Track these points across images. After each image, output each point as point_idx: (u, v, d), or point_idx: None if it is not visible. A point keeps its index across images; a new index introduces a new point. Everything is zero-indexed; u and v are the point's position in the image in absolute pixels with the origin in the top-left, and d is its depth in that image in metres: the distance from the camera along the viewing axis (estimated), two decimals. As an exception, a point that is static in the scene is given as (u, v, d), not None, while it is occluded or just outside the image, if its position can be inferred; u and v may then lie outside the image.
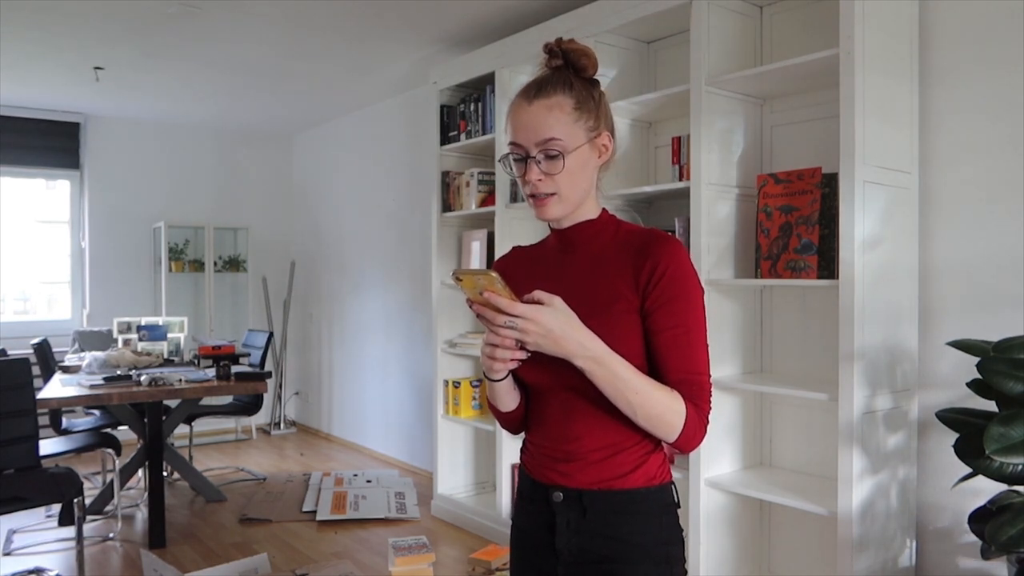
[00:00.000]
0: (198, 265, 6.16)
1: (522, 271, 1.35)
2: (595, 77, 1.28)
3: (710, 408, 1.23)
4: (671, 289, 1.19)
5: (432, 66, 4.30)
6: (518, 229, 3.65)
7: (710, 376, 1.23)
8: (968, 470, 2.03)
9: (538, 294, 1.13)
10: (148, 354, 4.43)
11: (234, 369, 4.06)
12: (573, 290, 1.23)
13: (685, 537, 1.32)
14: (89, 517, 4.05)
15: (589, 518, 1.25)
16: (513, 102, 1.26)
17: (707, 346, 1.24)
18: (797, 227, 2.55)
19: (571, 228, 1.29)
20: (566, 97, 1.22)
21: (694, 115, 2.71)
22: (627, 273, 1.22)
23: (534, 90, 1.23)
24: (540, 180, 1.22)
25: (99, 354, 4.21)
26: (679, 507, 1.31)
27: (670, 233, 1.28)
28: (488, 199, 3.88)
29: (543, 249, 1.37)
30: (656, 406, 1.17)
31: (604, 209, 1.32)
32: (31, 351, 4.39)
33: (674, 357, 1.20)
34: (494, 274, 1.09)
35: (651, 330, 1.20)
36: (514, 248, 1.45)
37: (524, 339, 1.12)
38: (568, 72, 1.25)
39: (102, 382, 3.70)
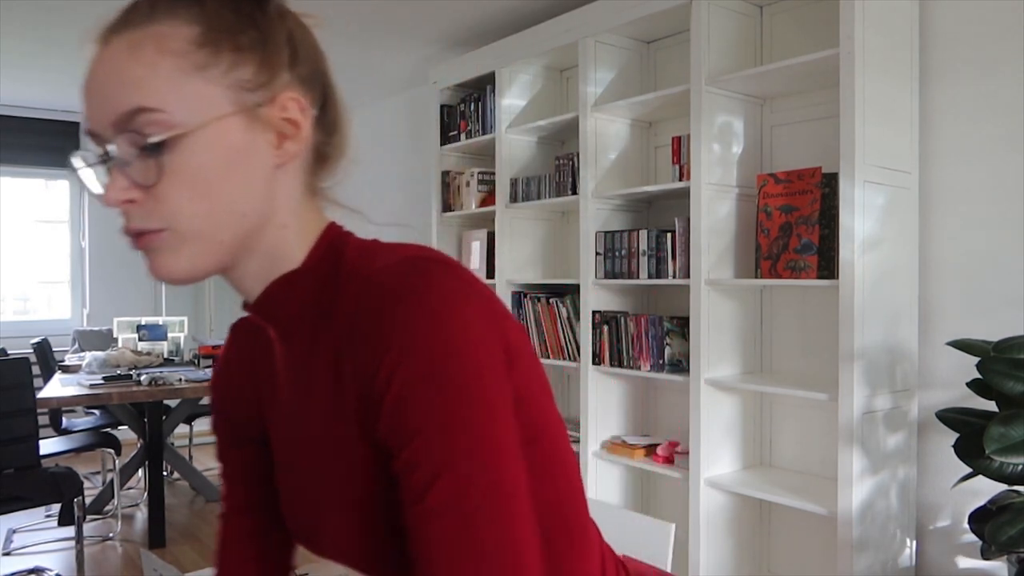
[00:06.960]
0: (198, 265, 6.14)
1: (249, 393, 0.85)
2: None
3: None
4: (413, 414, 0.59)
5: (432, 66, 4.30)
6: (518, 229, 3.65)
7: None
8: (968, 470, 2.03)
9: None
10: (148, 354, 4.43)
11: (234, 369, 4.05)
12: (288, 418, 0.76)
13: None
14: (89, 517, 4.06)
15: None
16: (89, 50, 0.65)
17: (521, 506, 0.59)
18: (797, 227, 2.56)
19: (262, 299, 0.75)
20: (178, 23, 0.62)
21: (694, 115, 2.71)
22: (336, 370, 0.68)
23: (120, 19, 0.63)
24: (129, 202, 0.62)
25: (99, 354, 4.21)
26: None
27: (439, 262, 0.68)
28: (488, 199, 3.88)
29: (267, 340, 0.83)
30: None
31: (323, 241, 0.75)
32: (31, 351, 4.38)
33: (441, 557, 0.57)
34: None
35: (399, 497, 0.62)
36: (228, 343, 0.89)
37: None
38: None
39: (102, 382, 3.70)
